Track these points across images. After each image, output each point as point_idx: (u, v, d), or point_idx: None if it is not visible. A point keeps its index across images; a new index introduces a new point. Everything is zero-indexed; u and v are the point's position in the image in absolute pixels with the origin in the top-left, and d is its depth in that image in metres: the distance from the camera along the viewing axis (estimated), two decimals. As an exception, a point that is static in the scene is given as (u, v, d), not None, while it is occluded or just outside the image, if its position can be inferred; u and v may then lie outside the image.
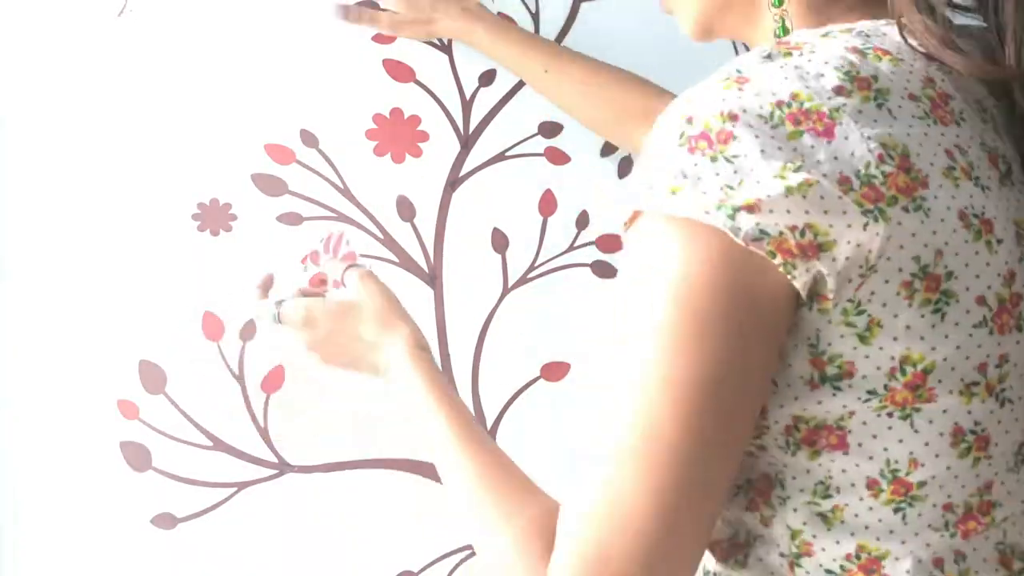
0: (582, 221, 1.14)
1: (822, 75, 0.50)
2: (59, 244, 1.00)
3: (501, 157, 1.11)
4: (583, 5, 1.13)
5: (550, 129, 1.13)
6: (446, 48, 1.10)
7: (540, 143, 1.13)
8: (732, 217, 0.47)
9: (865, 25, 0.55)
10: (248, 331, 1.03)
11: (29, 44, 0.99)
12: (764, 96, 0.49)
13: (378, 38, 1.08)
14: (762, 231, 0.47)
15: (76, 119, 1.01)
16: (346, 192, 1.06)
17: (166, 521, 1.01)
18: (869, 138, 0.48)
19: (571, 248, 1.13)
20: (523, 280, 1.12)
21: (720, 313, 0.48)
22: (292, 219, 1.05)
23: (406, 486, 1.05)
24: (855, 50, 0.52)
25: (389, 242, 1.07)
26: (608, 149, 1.15)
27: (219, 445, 1.02)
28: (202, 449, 1.02)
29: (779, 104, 0.49)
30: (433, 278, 1.09)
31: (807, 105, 0.49)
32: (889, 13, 0.55)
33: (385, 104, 1.07)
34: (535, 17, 1.12)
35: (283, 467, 1.04)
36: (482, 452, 0.68)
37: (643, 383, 0.48)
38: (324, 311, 0.83)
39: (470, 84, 1.10)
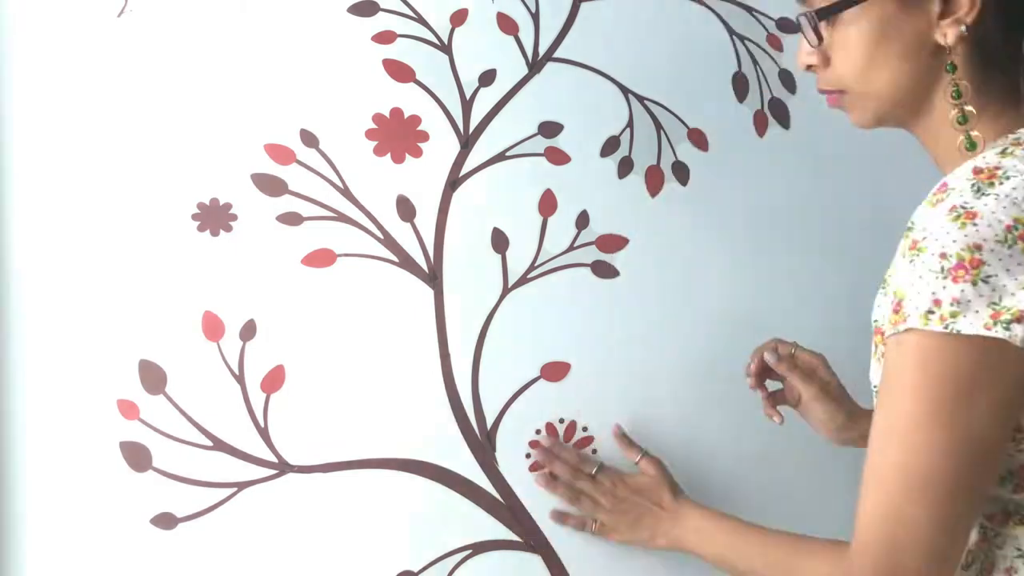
0: (582, 221, 1.18)
1: None
2: (59, 244, 1.04)
3: (501, 157, 1.15)
4: (583, 5, 1.17)
5: (550, 129, 1.17)
6: (446, 48, 1.13)
7: (540, 143, 1.17)
8: (1008, 328, 0.66)
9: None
10: (248, 331, 1.06)
11: (30, 44, 1.03)
12: (995, 227, 0.67)
13: (378, 37, 1.12)
14: None
15: (76, 119, 1.04)
16: (346, 192, 1.10)
17: (166, 521, 1.04)
18: None
19: (571, 248, 1.18)
20: (523, 280, 1.16)
21: (998, 394, 0.68)
22: (292, 219, 1.09)
23: (406, 486, 1.09)
24: None
25: (389, 242, 1.11)
26: (608, 149, 1.19)
27: (219, 445, 1.06)
28: (202, 449, 1.05)
29: (1009, 229, 0.67)
30: (433, 278, 1.12)
31: None
32: None
33: (385, 104, 1.11)
34: (535, 17, 1.16)
35: (283, 467, 1.07)
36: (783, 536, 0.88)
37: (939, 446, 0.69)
38: (628, 483, 1.09)
39: (470, 84, 1.14)
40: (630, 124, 1.20)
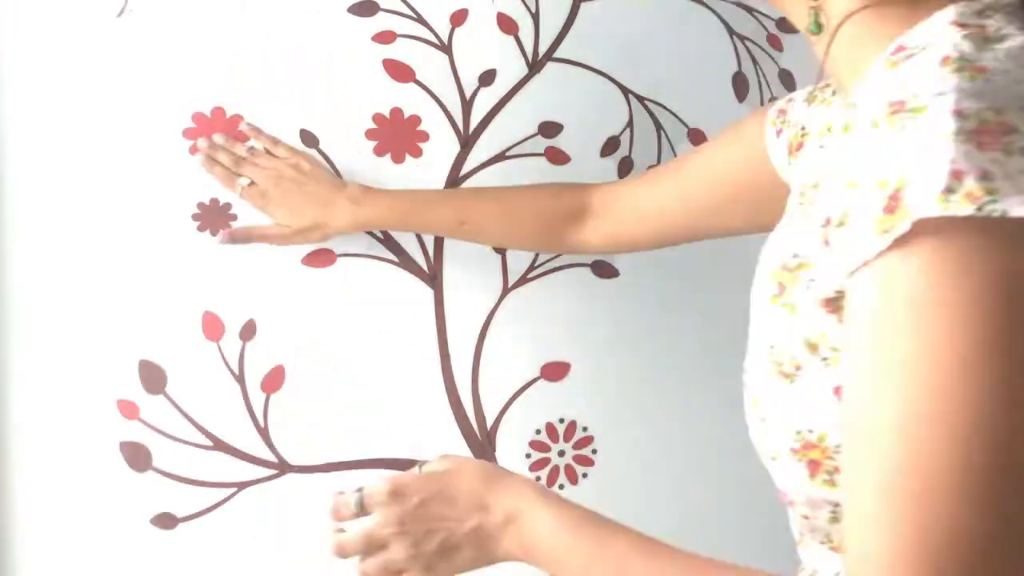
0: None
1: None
2: (59, 244, 1.09)
3: (501, 157, 1.21)
4: (583, 5, 1.23)
5: (550, 129, 1.23)
6: (446, 48, 1.19)
7: (540, 143, 1.23)
8: None
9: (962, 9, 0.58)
10: (248, 331, 1.12)
11: (29, 44, 1.08)
12: (1014, 87, 0.50)
13: (378, 37, 1.17)
14: None
15: (76, 120, 1.10)
16: (346, 192, 1.15)
17: (166, 521, 1.10)
18: None
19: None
20: (523, 280, 1.21)
21: None
22: (292, 219, 1.13)
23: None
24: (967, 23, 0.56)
25: (389, 242, 1.17)
26: (608, 149, 1.25)
27: (219, 445, 1.11)
28: (202, 449, 1.11)
29: None
30: (433, 278, 1.18)
31: None
32: None
33: (385, 104, 1.17)
34: (535, 17, 1.21)
35: (283, 467, 1.13)
36: (678, 555, 0.67)
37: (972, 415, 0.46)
38: (414, 478, 0.77)
39: (470, 84, 1.20)
40: (630, 124, 1.26)
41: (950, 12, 0.57)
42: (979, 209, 0.46)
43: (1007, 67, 0.51)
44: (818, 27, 0.63)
